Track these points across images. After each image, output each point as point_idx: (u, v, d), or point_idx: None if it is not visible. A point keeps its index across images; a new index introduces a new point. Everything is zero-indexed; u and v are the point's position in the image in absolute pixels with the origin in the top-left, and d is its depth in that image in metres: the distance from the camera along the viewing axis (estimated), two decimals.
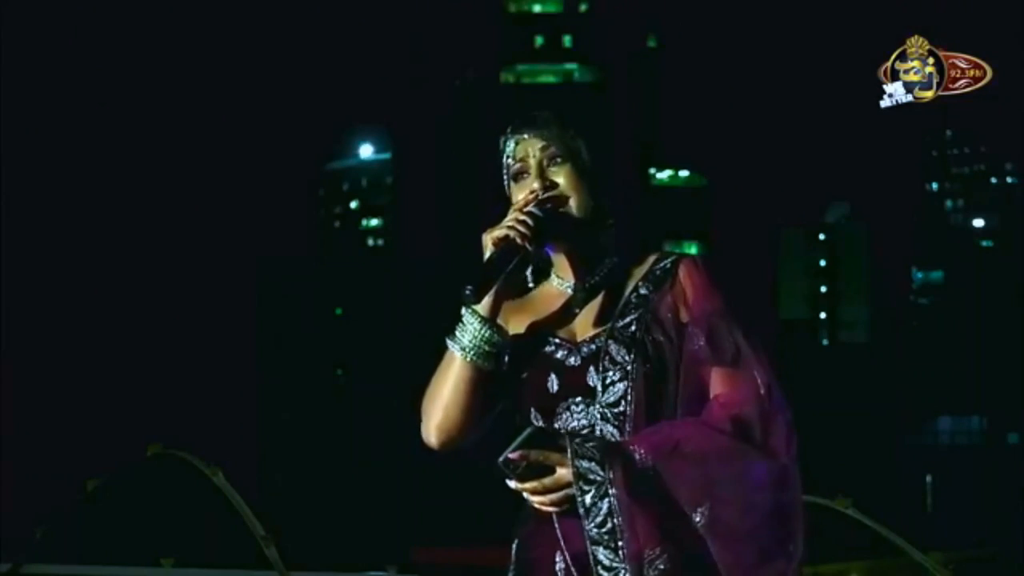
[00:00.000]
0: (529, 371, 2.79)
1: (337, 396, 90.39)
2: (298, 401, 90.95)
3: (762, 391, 2.68)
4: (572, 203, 2.78)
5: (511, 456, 2.65)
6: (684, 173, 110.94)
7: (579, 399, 2.73)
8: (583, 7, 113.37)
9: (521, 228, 2.72)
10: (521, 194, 2.80)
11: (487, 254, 2.74)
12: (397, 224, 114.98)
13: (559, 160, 2.79)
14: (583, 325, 2.80)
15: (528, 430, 2.68)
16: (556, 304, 2.85)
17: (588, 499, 2.62)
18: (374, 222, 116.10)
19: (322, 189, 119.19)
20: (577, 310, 2.82)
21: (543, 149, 2.80)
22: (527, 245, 2.73)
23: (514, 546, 2.80)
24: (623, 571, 2.61)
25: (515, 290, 2.84)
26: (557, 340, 2.79)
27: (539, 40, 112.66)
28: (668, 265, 2.79)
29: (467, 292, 2.70)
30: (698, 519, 2.60)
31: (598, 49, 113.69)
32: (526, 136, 2.82)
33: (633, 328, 2.73)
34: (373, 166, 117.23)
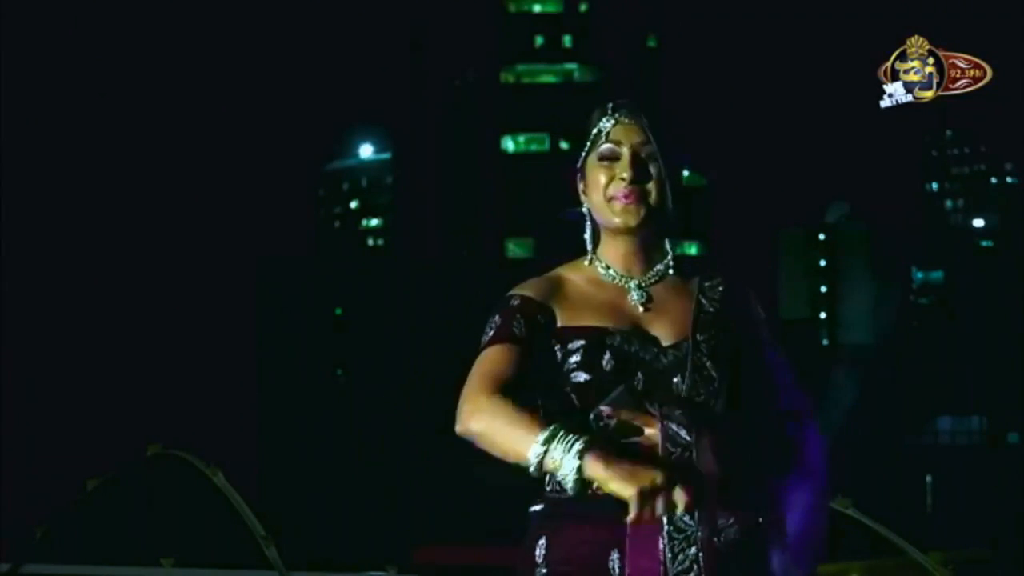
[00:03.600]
0: (614, 363, 2.77)
1: (337, 396, 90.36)
2: (298, 401, 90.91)
3: (810, 414, 2.81)
4: (652, 200, 2.83)
5: (603, 409, 2.68)
6: (684, 173, 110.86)
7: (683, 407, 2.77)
8: (583, 7, 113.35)
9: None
10: (603, 178, 2.83)
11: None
12: (397, 224, 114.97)
13: (653, 156, 2.84)
14: (660, 327, 2.82)
15: (620, 388, 2.71)
16: (612, 294, 2.86)
17: (671, 459, 2.66)
18: (374, 222, 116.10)
19: (322, 189, 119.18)
20: (642, 308, 2.84)
21: (642, 143, 2.84)
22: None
23: (539, 546, 2.76)
24: (695, 535, 2.67)
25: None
26: (642, 339, 2.80)
27: (539, 40, 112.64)
28: (722, 287, 2.88)
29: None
30: (760, 499, 2.71)
31: (598, 49, 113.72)
32: (627, 121, 2.85)
33: (714, 343, 2.80)
34: (373, 166, 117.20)
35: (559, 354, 2.77)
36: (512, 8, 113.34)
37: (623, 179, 2.81)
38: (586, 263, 2.89)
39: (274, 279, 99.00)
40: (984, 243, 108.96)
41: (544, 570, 2.74)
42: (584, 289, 2.86)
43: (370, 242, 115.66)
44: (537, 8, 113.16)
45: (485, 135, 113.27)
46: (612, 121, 2.85)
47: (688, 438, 2.66)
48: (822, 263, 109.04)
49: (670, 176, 2.85)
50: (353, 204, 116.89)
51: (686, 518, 2.67)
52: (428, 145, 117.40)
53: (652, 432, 2.67)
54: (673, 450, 2.66)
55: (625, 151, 2.83)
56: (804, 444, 2.76)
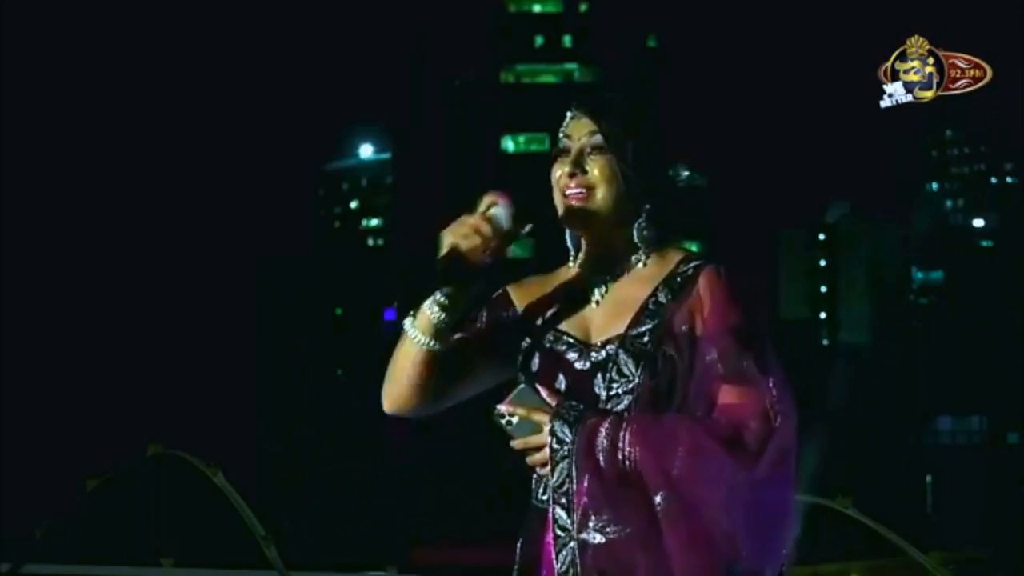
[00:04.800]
0: (539, 367, 2.79)
1: (337, 396, 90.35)
2: (298, 401, 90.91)
3: (767, 412, 2.65)
4: (599, 195, 2.77)
5: (501, 407, 2.71)
6: (684, 173, 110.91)
7: (582, 405, 2.72)
8: (583, 7, 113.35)
9: (474, 240, 2.74)
10: (557, 172, 2.82)
11: (442, 256, 2.77)
12: (397, 224, 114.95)
13: (600, 149, 2.79)
14: (598, 325, 2.78)
15: (520, 385, 2.72)
16: (576, 294, 2.84)
17: (555, 457, 2.66)
18: (374, 222, 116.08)
19: (322, 189, 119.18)
20: (595, 306, 2.80)
21: (590, 134, 2.79)
22: (481, 257, 2.74)
23: (518, 545, 2.81)
24: (572, 533, 2.65)
25: (480, 289, 2.84)
26: (570, 339, 2.78)
27: (539, 40, 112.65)
28: (690, 272, 2.76)
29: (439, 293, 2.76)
30: (658, 503, 2.60)
31: (598, 49, 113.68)
32: (581, 116, 2.82)
33: (646, 339, 2.72)
34: (373, 166, 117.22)
35: (517, 354, 2.84)
36: (512, 8, 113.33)
37: (565, 172, 2.80)
38: (570, 262, 2.89)
39: (274, 279, 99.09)
40: (984, 243, 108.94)
41: (516, 570, 2.81)
42: (558, 288, 2.86)
43: (370, 242, 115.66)
44: (537, 8, 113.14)
45: (485, 135, 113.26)
46: (569, 117, 2.85)
47: (569, 435, 2.64)
48: (822, 263, 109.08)
49: (632, 168, 2.77)
50: (353, 204, 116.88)
51: (562, 514, 2.65)
52: (428, 145, 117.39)
53: (548, 430, 2.68)
54: (556, 448, 2.66)
55: (574, 146, 2.81)
56: (767, 441, 2.63)
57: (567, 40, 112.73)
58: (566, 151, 2.82)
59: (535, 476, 2.79)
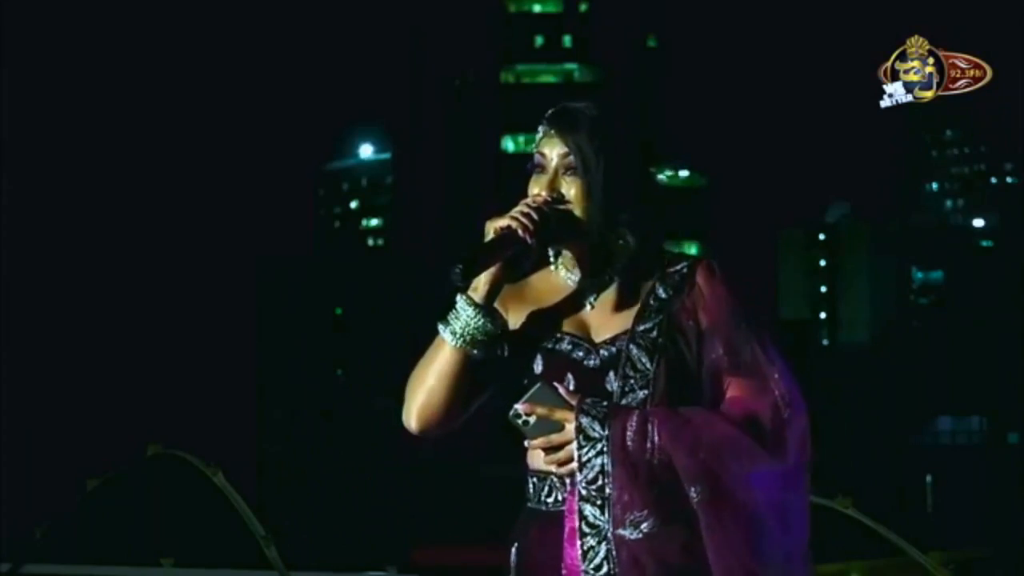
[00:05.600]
0: (544, 368, 2.77)
1: (337, 396, 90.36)
2: (298, 401, 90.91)
3: (778, 402, 2.68)
4: (579, 215, 2.75)
5: (519, 407, 2.67)
6: (684, 173, 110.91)
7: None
8: (583, 7, 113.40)
9: (525, 220, 2.71)
10: (534, 189, 2.80)
11: (487, 240, 2.73)
12: (397, 224, 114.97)
13: (574, 171, 2.77)
14: (599, 324, 2.78)
15: (538, 384, 2.69)
16: (566, 296, 2.82)
17: (584, 454, 2.64)
18: (374, 222, 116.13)
19: (322, 189, 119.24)
20: (590, 307, 2.79)
21: (563, 155, 2.78)
22: (528, 238, 2.70)
23: (513, 551, 2.79)
24: (607, 530, 2.63)
25: (510, 280, 2.80)
26: (575, 339, 2.77)
27: (539, 40, 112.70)
28: (685, 269, 2.77)
29: (455, 271, 2.67)
30: (694, 495, 2.61)
31: (598, 49, 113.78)
32: (552, 134, 2.81)
33: (655, 334, 2.72)
34: (373, 166, 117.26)
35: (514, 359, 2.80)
36: (512, 8, 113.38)
37: (541, 196, 2.78)
38: (552, 267, 2.87)
39: (274, 279, 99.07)
40: (984, 243, 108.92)
41: (513, 573, 2.78)
42: (544, 293, 2.84)
43: (370, 242, 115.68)
44: (537, 8, 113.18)
45: (485, 135, 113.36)
46: (541, 132, 2.83)
47: (600, 432, 2.63)
48: (822, 263, 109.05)
49: (609, 183, 2.74)
50: (353, 204, 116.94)
51: (594, 512, 2.63)
52: (428, 145, 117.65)
53: (570, 428, 2.65)
54: (584, 444, 2.64)
55: (549, 165, 2.79)
56: (782, 428, 2.66)
57: (567, 40, 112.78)
58: (541, 168, 2.80)
59: (534, 479, 2.78)
